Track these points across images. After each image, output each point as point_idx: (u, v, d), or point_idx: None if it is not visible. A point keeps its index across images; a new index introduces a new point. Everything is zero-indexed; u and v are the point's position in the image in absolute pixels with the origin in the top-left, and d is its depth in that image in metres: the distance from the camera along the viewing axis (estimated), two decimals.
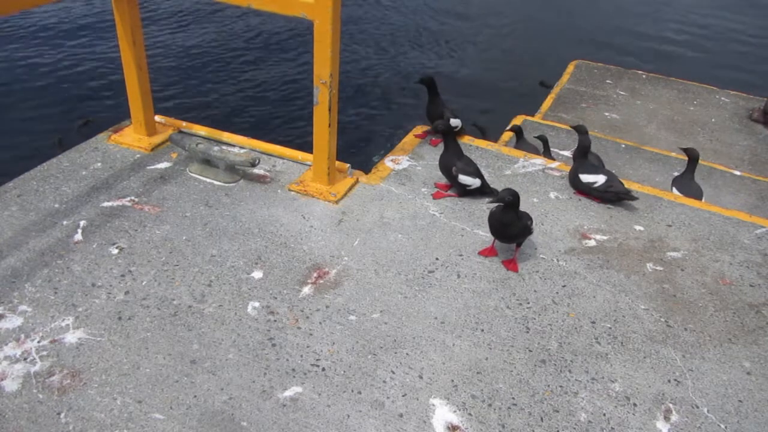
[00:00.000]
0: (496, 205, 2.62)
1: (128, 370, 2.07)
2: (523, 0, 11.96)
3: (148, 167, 3.15)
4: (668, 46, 10.31)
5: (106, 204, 2.85)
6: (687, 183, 3.80)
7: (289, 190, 3.07)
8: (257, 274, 2.52)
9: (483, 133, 4.95)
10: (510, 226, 2.60)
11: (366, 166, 3.40)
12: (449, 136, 3.06)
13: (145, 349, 2.15)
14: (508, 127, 4.74)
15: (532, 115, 5.40)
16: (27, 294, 2.33)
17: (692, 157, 3.85)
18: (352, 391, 2.06)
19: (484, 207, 3.08)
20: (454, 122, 3.51)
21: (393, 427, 1.96)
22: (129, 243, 2.63)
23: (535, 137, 4.34)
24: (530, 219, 2.68)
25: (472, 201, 3.12)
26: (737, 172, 4.70)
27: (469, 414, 2.02)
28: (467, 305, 2.47)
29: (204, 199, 2.95)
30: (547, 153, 4.26)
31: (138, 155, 3.24)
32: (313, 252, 2.67)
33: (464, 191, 3.10)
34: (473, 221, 2.97)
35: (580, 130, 3.40)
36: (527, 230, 2.66)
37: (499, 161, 3.52)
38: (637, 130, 5.48)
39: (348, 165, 3.18)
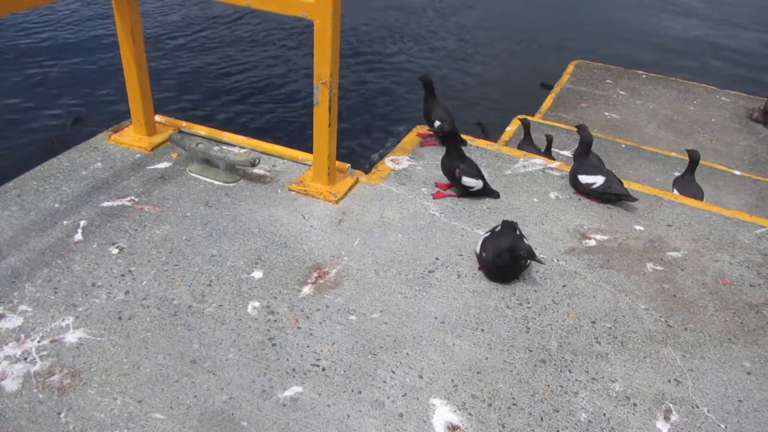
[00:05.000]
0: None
1: (128, 369, 2.07)
2: (524, 0, 11.96)
3: (148, 167, 3.15)
4: (668, 45, 10.30)
5: (106, 204, 2.85)
6: (688, 184, 3.80)
7: (289, 190, 3.07)
8: (257, 274, 2.52)
9: (484, 132, 4.95)
10: (514, 274, 2.61)
11: (366, 166, 3.40)
12: (451, 139, 3.07)
13: (145, 348, 2.15)
14: (518, 117, 4.76)
15: (532, 115, 5.41)
16: (27, 294, 2.33)
17: (693, 158, 3.85)
18: (352, 390, 2.06)
19: (484, 208, 3.09)
20: (438, 123, 3.48)
21: (393, 427, 1.96)
22: (129, 243, 2.63)
23: (545, 135, 4.36)
24: (528, 258, 2.56)
25: (473, 201, 3.12)
26: (737, 172, 4.71)
27: (469, 414, 2.02)
28: (467, 305, 2.47)
29: (204, 199, 2.95)
30: (547, 152, 4.26)
31: (138, 155, 3.24)
32: (313, 252, 2.67)
33: (465, 192, 3.10)
34: (473, 221, 2.97)
35: (581, 129, 3.40)
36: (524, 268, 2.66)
37: (499, 161, 3.52)
38: (637, 130, 5.48)
39: (348, 165, 3.18)
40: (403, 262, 2.66)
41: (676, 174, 4.13)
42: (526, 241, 2.66)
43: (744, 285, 2.74)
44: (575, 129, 3.51)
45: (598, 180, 3.17)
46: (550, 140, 4.32)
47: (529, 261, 2.62)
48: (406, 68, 8.59)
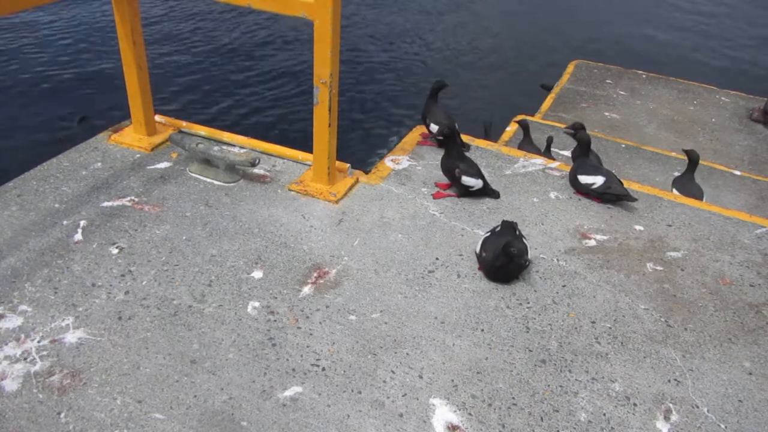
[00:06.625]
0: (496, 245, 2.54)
1: (128, 369, 2.07)
2: (523, 0, 11.96)
3: (148, 167, 3.15)
4: (668, 45, 10.31)
5: (106, 204, 2.85)
6: (687, 184, 3.80)
7: (289, 190, 3.07)
8: (257, 274, 2.52)
9: (487, 133, 4.95)
10: (514, 274, 2.60)
11: (366, 166, 3.40)
12: (450, 139, 3.07)
13: (145, 348, 2.15)
14: (516, 118, 4.75)
15: (532, 115, 5.41)
16: (27, 294, 2.33)
17: (692, 159, 3.85)
18: (352, 390, 2.06)
19: (484, 208, 3.09)
20: (434, 128, 3.48)
21: (393, 427, 1.96)
22: (129, 243, 2.63)
23: (547, 137, 4.37)
24: (517, 255, 2.53)
25: (472, 201, 3.12)
26: (737, 172, 4.71)
27: (469, 414, 2.02)
28: (467, 305, 2.47)
29: (204, 199, 2.95)
30: (547, 153, 4.27)
31: (138, 155, 3.24)
32: (313, 252, 2.67)
33: (465, 192, 3.10)
34: (473, 221, 2.97)
35: (577, 128, 3.40)
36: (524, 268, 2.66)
37: (499, 161, 3.52)
38: (637, 130, 5.48)
39: (348, 165, 3.18)
40: (403, 262, 2.66)
41: (676, 174, 4.13)
42: (525, 241, 2.67)
43: (744, 285, 2.74)
44: (572, 128, 3.51)
45: (598, 180, 3.17)
46: (549, 141, 4.32)
47: (529, 261, 2.62)
48: (407, 68, 8.59)
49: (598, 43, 9.88)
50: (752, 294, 2.69)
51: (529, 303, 2.51)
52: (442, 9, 11.07)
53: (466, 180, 3.04)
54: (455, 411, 2.03)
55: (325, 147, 2.94)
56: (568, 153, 4.50)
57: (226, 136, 3.43)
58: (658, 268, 2.79)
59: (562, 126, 5.02)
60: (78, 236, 2.64)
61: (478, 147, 3.65)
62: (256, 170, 3.18)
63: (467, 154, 3.39)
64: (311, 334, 2.26)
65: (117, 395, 1.97)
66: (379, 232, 2.84)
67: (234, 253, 2.63)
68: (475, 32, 10.16)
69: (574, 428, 2.01)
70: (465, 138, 3.67)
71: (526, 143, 4.35)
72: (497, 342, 2.31)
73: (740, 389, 2.21)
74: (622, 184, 3.20)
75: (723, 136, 5.55)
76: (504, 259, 2.49)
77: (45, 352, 2.10)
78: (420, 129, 3.75)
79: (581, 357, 2.28)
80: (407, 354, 2.22)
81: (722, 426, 2.07)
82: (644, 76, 6.75)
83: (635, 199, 3.17)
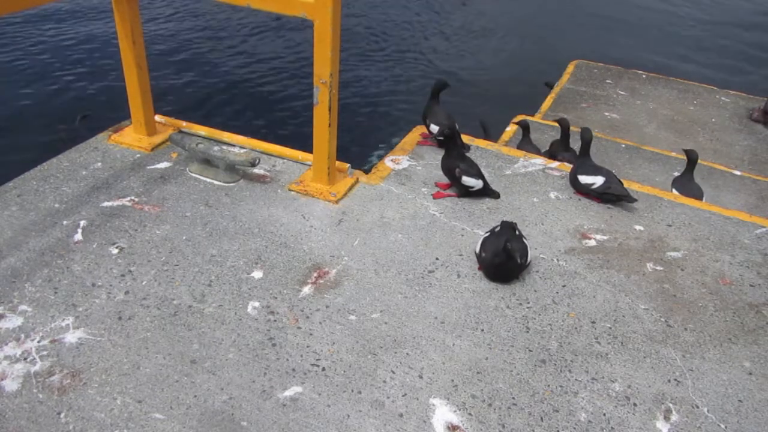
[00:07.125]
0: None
1: (128, 369, 2.07)
2: (523, 0, 11.96)
3: (148, 167, 3.15)
4: (668, 45, 10.31)
5: (106, 204, 2.86)
6: (687, 184, 3.80)
7: (289, 190, 3.07)
8: (257, 274, 2.52)
9: (486, 132, 4.94)
10: (513, 273, 2.60)
11: (366, 166, 3.40)
12: (450, 139, 3.07)
13: (145, 348, 2.15)
14: (516, 119, 4.75)
15: (532, 115, 5.40)
16: (27, 294, 2.33)
17: (691, 158, 3.86)
18: (352, 390, 2.06)
19: (484, 207, 3.09)
20: (434, 128, 3.48)
21: (393, 427, 1.96)
22: (129, 243, 2.63)
23: (552, 141, 4.37)
24: (512, 252, 2.51)
25: (472, 201, 3.12)
26: (737, 172, 4.70)
27: (469, 414, 2.02)
28: (467, 305, 2.47)
29: (204, 199, 2.96)
30: (548, 153, 4.27)
31: (138, 155, 3.24)
32: (313, 252, 2.67)
33: (465, 192, 3.11)
34: (473, 221, 2.97)
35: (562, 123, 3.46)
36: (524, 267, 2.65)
37: (499, 161, 3.52)
38: (637, 130, 5.47)
39: (348, 165, 3.18)
40: (403, 262, 2.66)
41: (676, 174, 4.13)
42: (525, 241, 2.67)
43: (744, 285, 2.74)
44: (558, 121, 3.54)
45: (598, 180, 3.17)
46: (553, 145, 4.33)
47: (529, 261, 2.62)
48: (407, 68, 8.58)
49: (598, 43, 9.87)
50: (752, 294, 2.69)
51: (529, 303, 2.51)
52: (443, 9, 11.06)
53: (467, 180, 3.04)
54: (455, 411, 2.03)
55: (325, 147, 2.94)
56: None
57: (226, 136, 3.43)
58: (658, 268, 2.79)
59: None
60: (78, 236, 2.64)
61: (478, 147, 3.65)
62: (256, 170, 3.18)
63: (467, 154, 3.40)
64: (311, 334, 2.26)
65: (117, 395, 1.97)
66: (379, 232, 2.84)
67: (234, 253, 2.63)
68: (475, 32, 10.16)
69: (574, 428, 2.01)
70: (465, 138, 3.67)
71: (526, 143, 4.34)
72: (497, 342, 2.31)
73: (740, 389, 2.21)
74: (622, 184, 3.20)
75: (723, 136, 5.55)
76: (503, 256, 2.49)
77: (45, 352, 2.10)
78: (420, 129, 3.75)
79: (581, 357, 2.28)
80: (407, 354, 2.22)
81: (722, 426, 2.07)
82: (644, 76, 6.75)
83: (635, 200, 3.18)
